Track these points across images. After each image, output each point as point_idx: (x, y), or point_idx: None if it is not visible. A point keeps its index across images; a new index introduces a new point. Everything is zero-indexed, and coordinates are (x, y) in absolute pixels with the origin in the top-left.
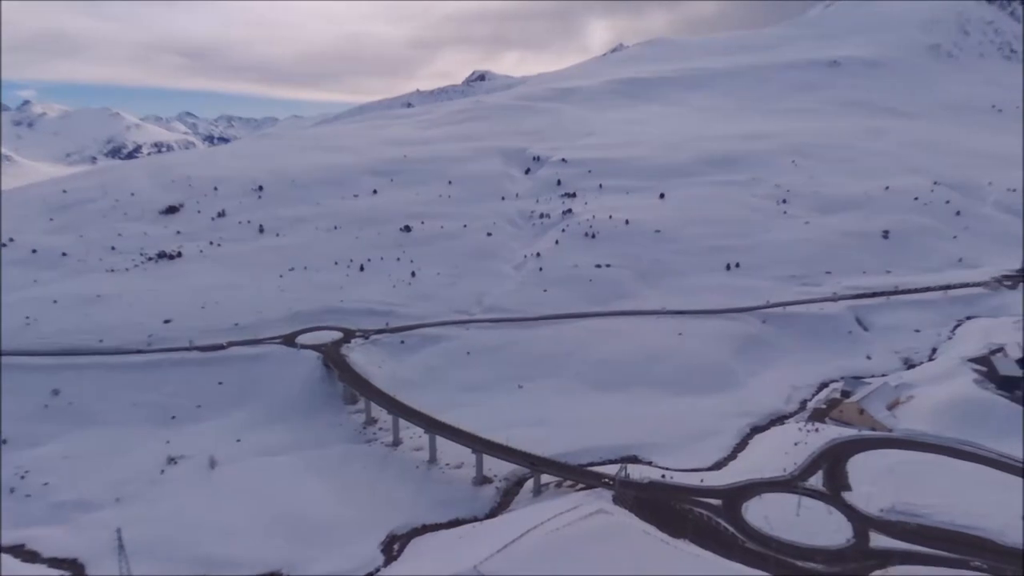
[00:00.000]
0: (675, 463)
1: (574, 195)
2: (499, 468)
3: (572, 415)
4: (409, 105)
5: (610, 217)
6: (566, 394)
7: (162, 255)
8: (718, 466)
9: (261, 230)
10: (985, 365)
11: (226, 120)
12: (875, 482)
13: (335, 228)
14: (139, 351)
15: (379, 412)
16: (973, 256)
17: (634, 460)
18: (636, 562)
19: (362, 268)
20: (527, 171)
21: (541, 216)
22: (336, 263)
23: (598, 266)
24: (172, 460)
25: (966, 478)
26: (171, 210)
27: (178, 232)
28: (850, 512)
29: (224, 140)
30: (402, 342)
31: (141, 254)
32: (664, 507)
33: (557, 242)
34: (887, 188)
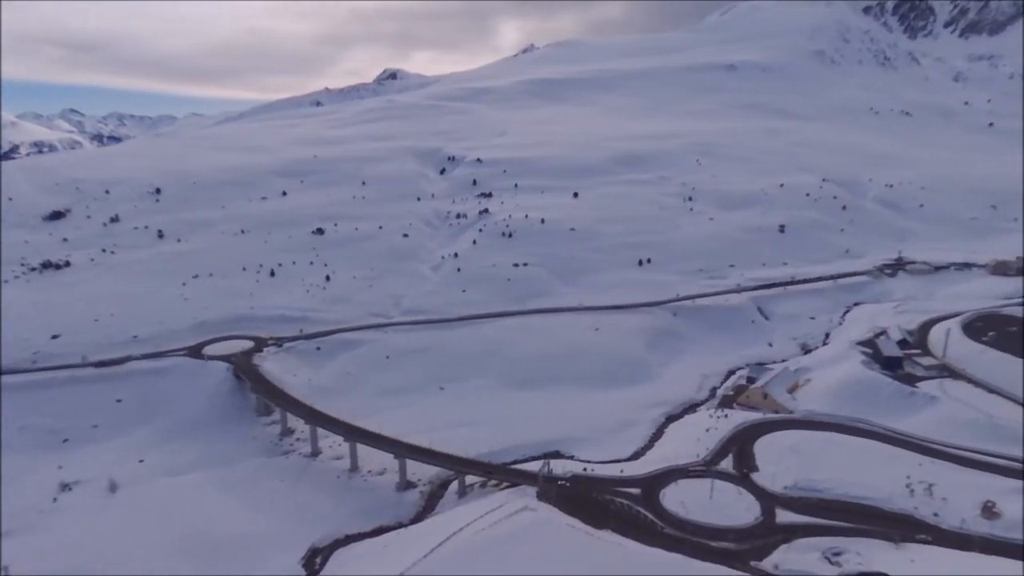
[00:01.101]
0: (596, 456)
1: (490, 195)
2: (423, 472)
3: (495, 414)
4: (318, 104)
5: (526, 216)
6: (488, 394)
7: (47, 265)
8: (636, 456)
9: (160, 235)
10: (871, 347)
11: (117, 118)
12: (779, 461)
13: (242, 232)
14: (23, 370)
15: (296, 422)
16: (858, 247)
17: (557, 455)
18: (562, 556)
19: (273, 273)
20: (442, 171)
21: (458, 216)
22: (244, 269)
23: (516, 265)
24: (66, 486)
25: (858, 452)
26: (56, 216)
27: (65, 239)
28: (758, 491)
29: (115, 139)
30: (318, 349)
31: (23, 264)
32: (587, 499)
33: (475, 242)
34: (782, 185)
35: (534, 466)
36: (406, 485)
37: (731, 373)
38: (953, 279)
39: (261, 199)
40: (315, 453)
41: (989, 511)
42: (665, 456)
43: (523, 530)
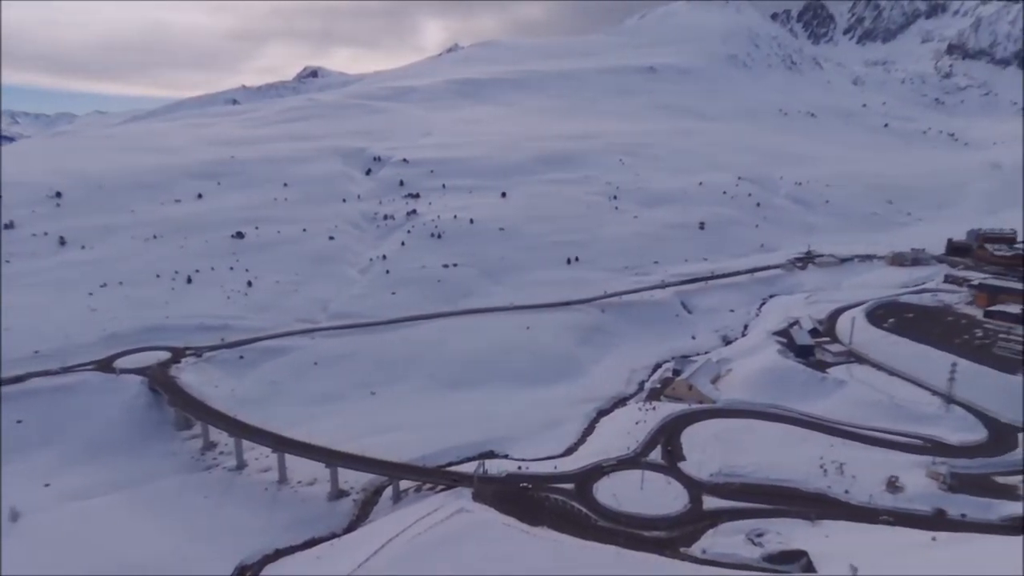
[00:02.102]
0: (530, 453)
1: (417, 195)
2: (356, 479)
3: (428, 417)
4: (234, 102)
5: (455, 217)
6: (421, 396)
7: None
8: (570, 452)
9: (62, 243)
10: (785, 336)
11: (8, 116)
12: (704, 450)
13: (154, 237)
14: None
15: (218, 435)
16: (771, 241)
17: (491, 455)
18: (499, 555)
19: (189, 280)
20: (368, 172)
21: (385, 217)
22: (158, 276)
23: (445, 266)
24: None
25: (776, 437)
26: None
27: None
28: (686, 480)
29: (8, 139)
30: (241, 357)
31: None
32: (522, 497)
33: (403, 243)
34: (700, 184)
35: (469, 467)
36: (338, 494)
37: (658, 366)
38: (856, 270)
39: (174, 202)
40: (240, 466)
41: (893, 485)
42: (597, 450)
43: (460, 532)
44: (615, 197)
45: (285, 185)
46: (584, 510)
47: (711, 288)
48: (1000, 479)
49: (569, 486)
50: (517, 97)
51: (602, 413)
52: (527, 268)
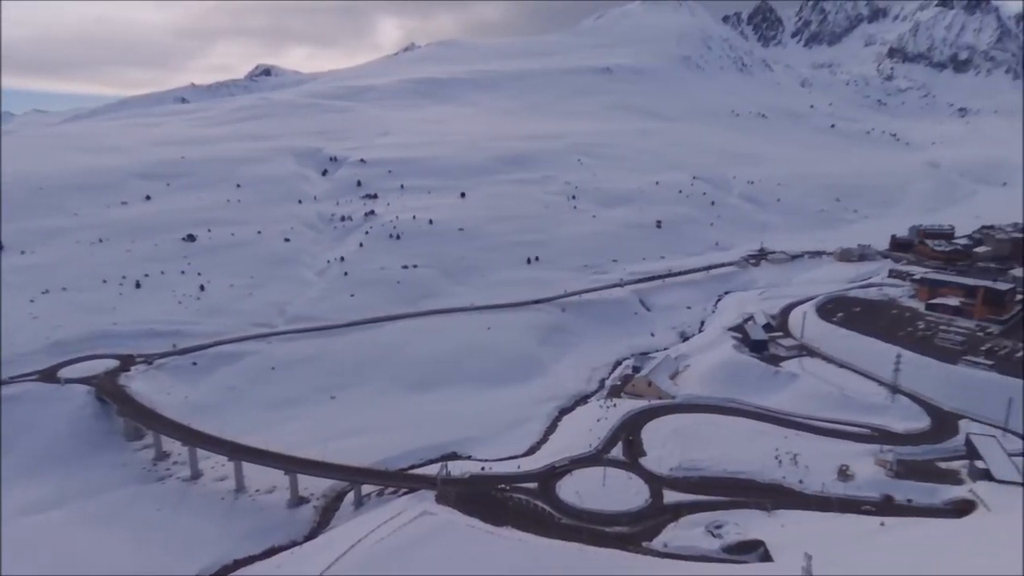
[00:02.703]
0: (493, 453)
1: (375, 196)
2: (316, 486)
3: (390, 419)
4: (184, 100)
5: (414, 217)
6: (382, 398)
7: None
8: (532, 451)
9: (0, 247)
10: (740, 332)
11: None
12: (664, 445)
13: (100, 241)
14: None
15: (171, 445)
16: (726, 239)
17: (454, 456)
18: (463, 557)
19: (138, 285)
20: (324, 172)
21: (342, 219)
22: (105, 281)
23: (405, 267)
24: None
25: (733, 430)
26: None
27: None
28: (647, 475)
29: None
30: (194, 364)
31: None
32: (486, 498)
33: (361, 245)
34: (657, 183)
35: (432, 469)
36: (298, 501)
37: (618, 364)
38: (806, 266)
39: (121, 204)
40: (195, 476)
41: (844, 474)
42: (560, 449)
43: (423, 535)
44: (574, 197)
45: (238, 186)
46: (547, 508)
47: (668, 286)
48: (943, 464)
49: (532, 485)
50: (475, 96)
51: (564, 411)
52: (487, 268)
